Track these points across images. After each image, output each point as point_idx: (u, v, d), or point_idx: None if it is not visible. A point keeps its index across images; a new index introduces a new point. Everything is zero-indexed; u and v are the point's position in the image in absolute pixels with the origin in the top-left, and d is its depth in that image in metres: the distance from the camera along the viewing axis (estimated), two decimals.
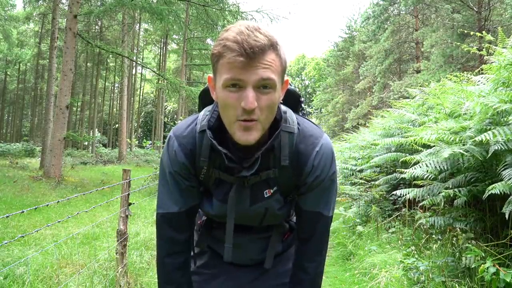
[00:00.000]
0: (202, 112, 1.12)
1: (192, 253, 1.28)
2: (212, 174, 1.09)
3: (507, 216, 2.43)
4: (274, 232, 1.23)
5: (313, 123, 1.14)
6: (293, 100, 1.18)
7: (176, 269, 1.17)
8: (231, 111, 0.92)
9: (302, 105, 1.22)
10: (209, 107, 1.11)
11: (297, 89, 1.22)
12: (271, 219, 1.17)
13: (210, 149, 1.05)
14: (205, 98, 1.20)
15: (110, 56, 26.24)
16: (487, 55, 3.58)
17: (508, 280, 2.27)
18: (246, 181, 1.07)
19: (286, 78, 1.01)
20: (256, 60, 0.87)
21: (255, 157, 1.01)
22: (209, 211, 1.16)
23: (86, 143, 30.34)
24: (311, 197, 1.11)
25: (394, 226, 5.03)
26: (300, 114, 1.21)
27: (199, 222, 1.29)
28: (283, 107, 1.08)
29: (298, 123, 1.08)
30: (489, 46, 3.51)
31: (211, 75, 1.01)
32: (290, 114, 1.09)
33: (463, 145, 2.96)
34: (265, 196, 1.10)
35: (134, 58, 21.01)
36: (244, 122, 0.91)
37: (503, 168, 2.66)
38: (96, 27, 29.98)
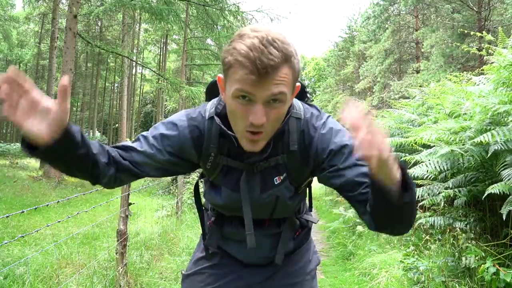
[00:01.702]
0: (210, 102, 1.13)
1: (204, 254, 1.29)
2: (220, 161, 1.09)
3: (504, 217, 2.43)
4: (285, 227, 1.22)
5: (317, 109, 1.13)
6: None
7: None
8: (239, 121, 0.93)
9: (308, 95, 1.22)
10: (217, 98, 1.12)
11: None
12: (282, 209, 1.16)
13: (219, 134, 1.06)
14: (212, 92, 1.20)
15: (110, 56, 26.24)
16: (487, 55, 3.57)
17: (508, 280, 2.27)
18: (256, 167, 1.07)
19: (297, 84, 0.99)
20: (268, 77, 0.85)
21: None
22: (218, 201, 1.15)
23: None
24: (342, 170, 0.98)
25: None
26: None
27: (208, 222, 1.28)
28: None
29: (304, 109, 1.09)
30: (489, 46, 3.50)
31: (221, 75, 1.00)
32: (296, 101, 1.10)
33: (463, 145, 2.96)
34: (275, 183, 1.09)
35: (134, 58, 20.99)
36: (251, 134, 0.93)
37: (502, 168, 2.67)
38: (96, 27, 29.97)
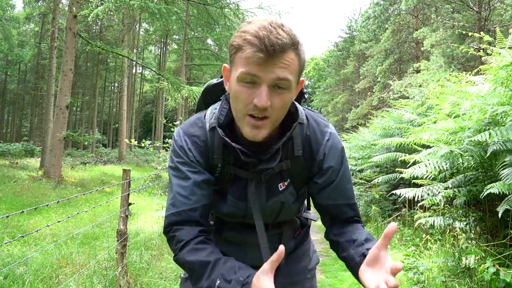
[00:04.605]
0: (208, 111, 1.10)
1: None
2: (227, 170, 1.08)
3: (500, 215, 2.44)
4: (286, 228, 1.21)
5: (320, 114, 1.15)
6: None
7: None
8: (243, 105, 0.91)
9: (305, 96, 1.22)
10: (216, 105, 1.10)
11: None
12: (286, 213, 1.16)
13: (223, 146, 1.04)
14: (207, 97, 1.19)
15: (110, 56, 26.24)
16: (485, 56, 3.57)
17: (508, 280, 2.27)
18: (263, 176, 1.06)
19: (302, 78, 0.99)
20: (275, 58, 0.85)
21: (274, 148, 0.99)
22: (223, 210, 1.13)
23: (86, 143, 30.34)
24: (332, 190, 1.08)
25: None
26: (305, 106, 1.20)
27: None
28: None
29: (306, 114, 1.09)
30: (487, 47, 3.50)
31: (226, 65, 0.99)
32: (298, 105, 1.09)
33: (462, 145, 2.97)
34: (280, 189, 1.09)
35: (134, 58, 21.00)
36: (254, 119, 0.91)
37: (502, 168, 2.67)
38: (96, 27, 29.97)
